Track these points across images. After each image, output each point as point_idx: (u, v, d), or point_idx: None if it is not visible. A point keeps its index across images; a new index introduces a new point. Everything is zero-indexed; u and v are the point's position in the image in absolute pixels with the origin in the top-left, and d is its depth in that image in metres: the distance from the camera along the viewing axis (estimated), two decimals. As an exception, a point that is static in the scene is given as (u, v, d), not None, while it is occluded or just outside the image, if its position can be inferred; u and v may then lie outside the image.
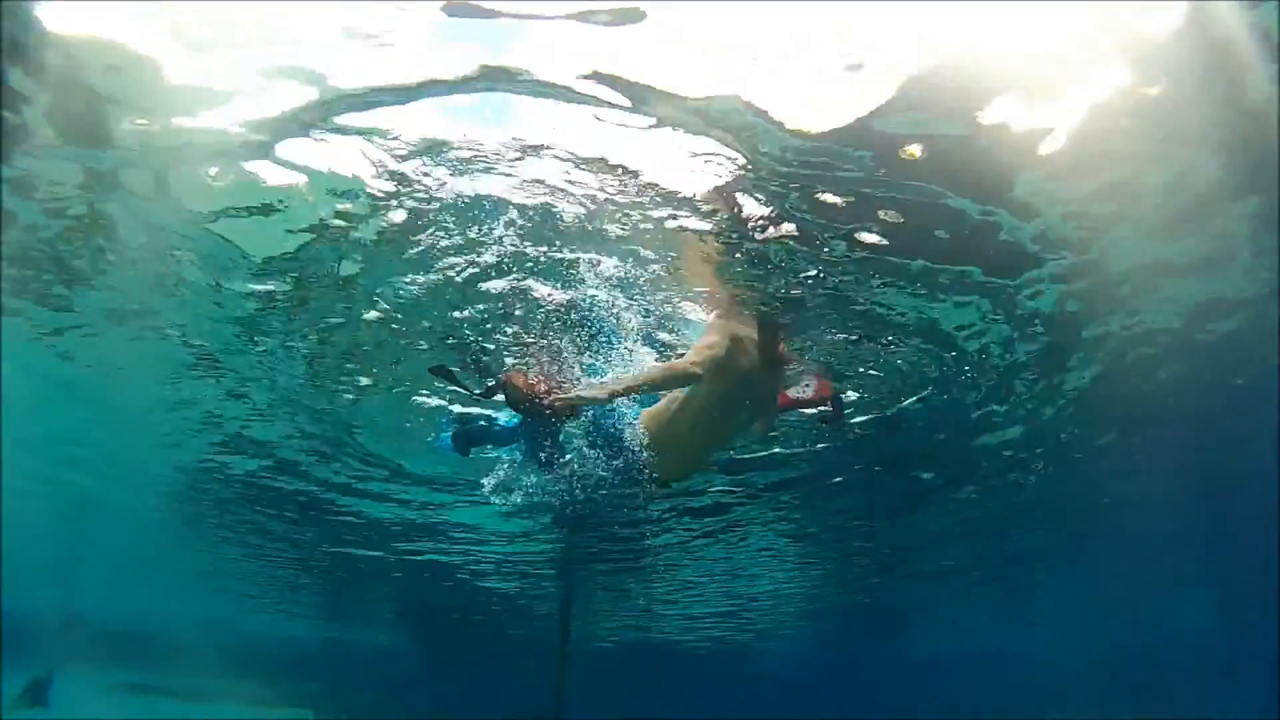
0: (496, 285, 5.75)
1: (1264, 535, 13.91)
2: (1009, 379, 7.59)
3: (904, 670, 38.26)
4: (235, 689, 27.98)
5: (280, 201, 5.03)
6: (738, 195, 4.78)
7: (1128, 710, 29.52)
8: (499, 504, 6.16)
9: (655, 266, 5.46)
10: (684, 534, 13.22)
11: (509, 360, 6.73)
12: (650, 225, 5.06)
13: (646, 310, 5.92)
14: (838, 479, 10.38)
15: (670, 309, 5.96)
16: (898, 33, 3.81)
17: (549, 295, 5.80)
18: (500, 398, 5.78)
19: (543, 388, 5.13)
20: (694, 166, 4.59)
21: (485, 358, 6.60)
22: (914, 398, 7.85)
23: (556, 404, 4.51)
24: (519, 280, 5.66)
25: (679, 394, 4.74)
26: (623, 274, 5.55)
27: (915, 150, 4.37)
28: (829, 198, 4.73)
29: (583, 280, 5.61)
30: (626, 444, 4.58)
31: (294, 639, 33.47)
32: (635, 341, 6.04)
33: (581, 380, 6.07)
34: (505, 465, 5.94)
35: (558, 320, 6.01)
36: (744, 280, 5.47)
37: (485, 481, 6.11)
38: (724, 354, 4.54)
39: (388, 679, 37.46)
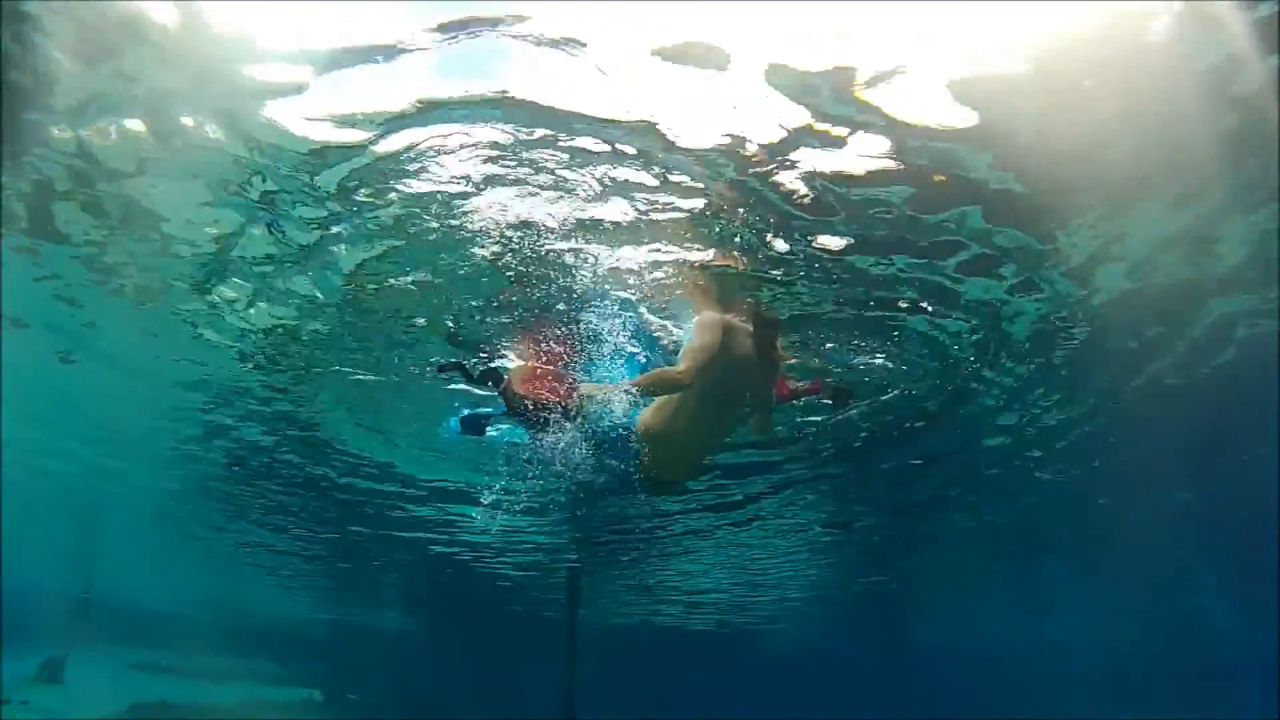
0: (497, 257, 5.67)
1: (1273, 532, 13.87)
2: (1035, 377, 7.59)
3: (909, 660, 38.44)
4: (245, 669, 28.44)
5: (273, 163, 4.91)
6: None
7: (1136, 707, 29.47)
8: (489, 524, 6.25)
9: (657, 248, 5.40)
10: (693, 524, 13.38)
11: (510, 358, 6.76)
12: (656, 197, 4.97)
13: (645, 294, 5.86)
14: (845, 477, 10.47)
15: (669, 295, 5.91)
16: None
17: (550, 276, 5.76)
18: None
19: (543, 392, 5.21)
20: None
21: (484, 354, 6.67)
22: (929, 392, 7.84)
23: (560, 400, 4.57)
24: (521, 257, 5.60)
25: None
26: (626, 257, 5.49)
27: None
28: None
29: (585, 261, 5.57)
30: (625, 442, 4.66)
31: (303, 620, 33.97)
32: (629, 327, 6.05)
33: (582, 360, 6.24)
34: (499, 488, 5.92)
35: (555, 298, 5.97)
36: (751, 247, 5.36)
37: (478, 514, 6.16)
38: (714, 353, 4.59)
39: (396, 660, 37.94)
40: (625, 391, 4.62)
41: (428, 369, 7.42)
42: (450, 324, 6.56)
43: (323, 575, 22.17)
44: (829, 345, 6.72)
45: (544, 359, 6.39)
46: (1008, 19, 3.80)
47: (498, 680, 38.51)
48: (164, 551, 20.38)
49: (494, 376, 5.77)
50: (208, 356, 7.75)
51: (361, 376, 7.81)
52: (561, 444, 5.17)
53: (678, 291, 5.78)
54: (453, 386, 7.77)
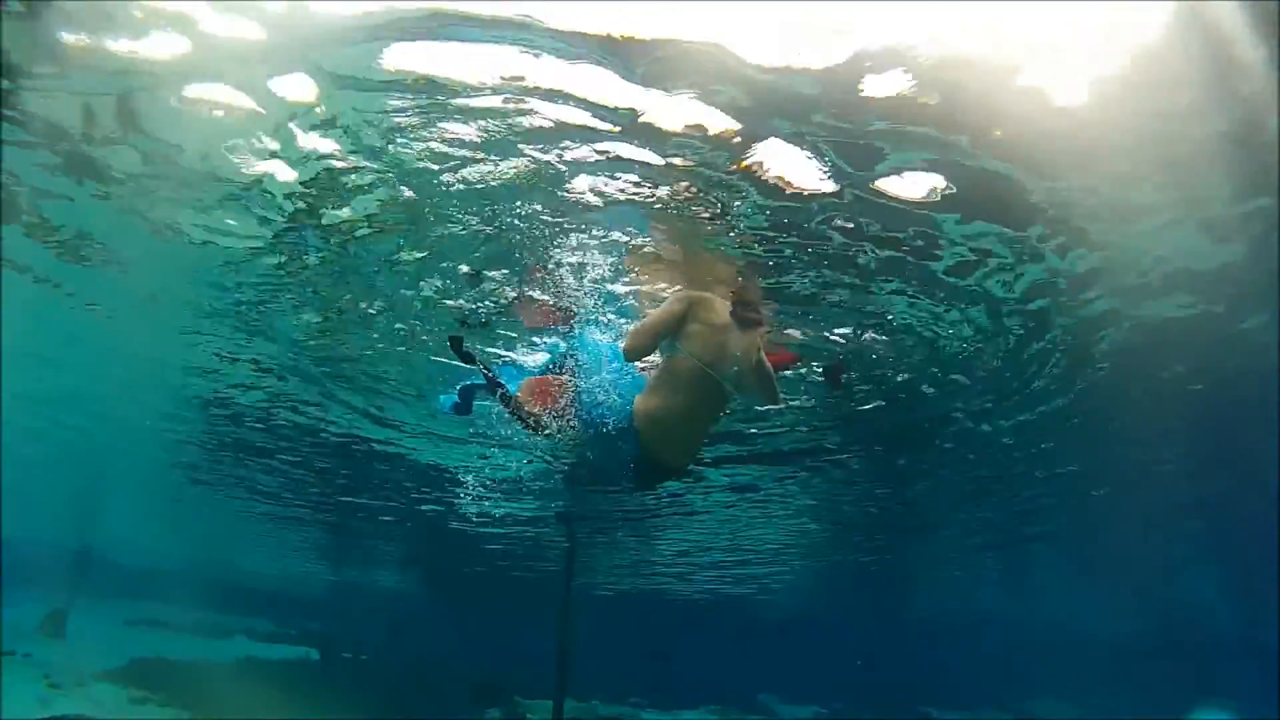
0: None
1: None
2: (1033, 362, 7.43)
3: (900, 630, 38.96)
4: (243, 627, 28.88)
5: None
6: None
7: (1133, 700, 29.71)
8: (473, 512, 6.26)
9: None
10: (691, 501, 13.39)
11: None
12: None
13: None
14: (843, 455, 10.37)
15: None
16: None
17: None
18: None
19: (551, 401, 5.11)
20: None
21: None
22: (929, 372, 7.69)
23: None
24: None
25: (663, 368, 4.75)
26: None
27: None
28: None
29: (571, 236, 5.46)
30: (622, 432, 4.55)
31: (301, 579, 34.38)
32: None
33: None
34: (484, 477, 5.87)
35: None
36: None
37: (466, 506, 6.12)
38: (673, 326, 4.63)
39: (395, 620, 38.46)
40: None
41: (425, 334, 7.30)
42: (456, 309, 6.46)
43: (322, 536, 22.33)
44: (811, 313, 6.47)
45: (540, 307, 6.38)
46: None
47: (495, 642, 39.13)
48: (163, 508, 20.47)
49: (504, 396, 5.69)
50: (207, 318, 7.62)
51: (363, 306, 7.39)
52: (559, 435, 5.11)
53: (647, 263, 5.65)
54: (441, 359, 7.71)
